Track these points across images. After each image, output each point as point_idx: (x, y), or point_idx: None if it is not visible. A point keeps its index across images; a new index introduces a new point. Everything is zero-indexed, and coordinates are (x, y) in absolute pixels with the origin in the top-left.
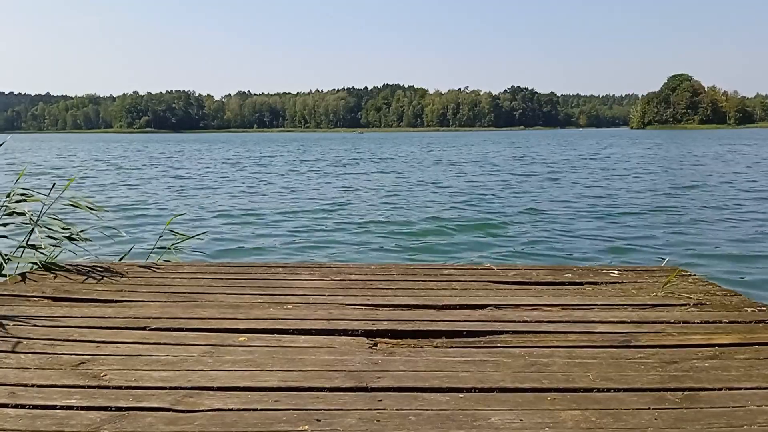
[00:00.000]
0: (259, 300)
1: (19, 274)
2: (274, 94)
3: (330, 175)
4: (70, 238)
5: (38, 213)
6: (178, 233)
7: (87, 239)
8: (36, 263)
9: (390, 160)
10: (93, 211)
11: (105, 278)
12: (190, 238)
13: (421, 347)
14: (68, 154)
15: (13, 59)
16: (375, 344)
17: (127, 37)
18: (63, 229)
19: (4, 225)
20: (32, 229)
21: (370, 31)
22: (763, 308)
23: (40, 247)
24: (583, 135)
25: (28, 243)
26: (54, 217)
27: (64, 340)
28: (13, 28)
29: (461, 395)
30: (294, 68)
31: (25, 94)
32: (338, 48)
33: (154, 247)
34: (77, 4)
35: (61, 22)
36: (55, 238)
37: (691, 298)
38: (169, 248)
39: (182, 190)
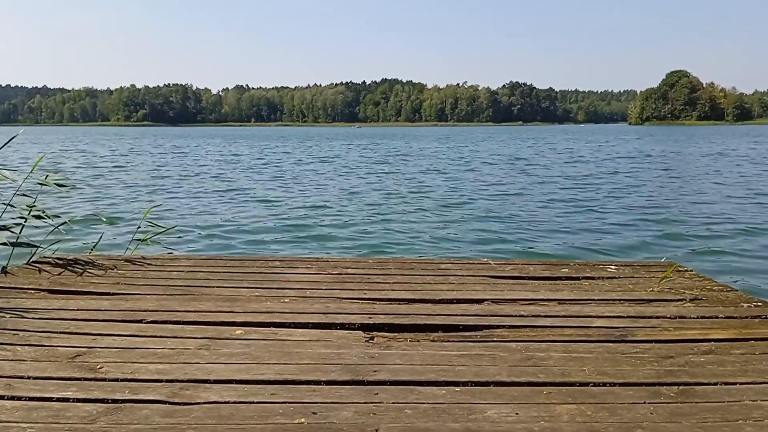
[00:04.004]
0: (256, 293)
1: (14, 267)
2: (272, 88)
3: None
4: (38, 217)
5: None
6: (157, 225)
7: (56, 215)
8: (40, 246)
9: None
10: (62, 188)
11: (101, 271)
12: (162, 231)
13: (418, 341)
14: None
15: (11, 54)
16: (372, 338)
17: (127, 37)
18: (29, 207)
19: None
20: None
21: (370, 30)
22: (759, 304)
23: (9, 227)
24: (595, 131)
25: None
26: (23, 193)
27: (61, 332)
28: (13, 27)
29: (458, 389)
30: (293, 68)
31: (21, 86)
32: (338, 48)
33: (132, 239)
34: (77, 4)
35: (61, 20)
36: (23, 218)
37: (687, 293)
38: (152, 241)
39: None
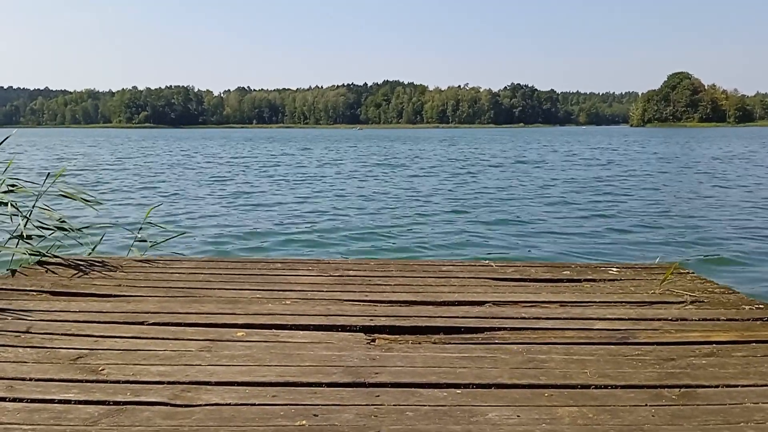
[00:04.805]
0: (258, 295)
1: (18, 269)
2: (274, 90)
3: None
4: (61, 229)
5: (32, 204)
6: (161, 226)
7: (78, 229)
8: (37, 253)
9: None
10: (88, 203)
11: (103, 272)
12: (176, 235)
13: (419, 343)
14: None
15: (12, 55)
16: (373, 340)
17: (127, 37)
18: (57, 219)
19: None
20: (26, 220)
21: (370, 31)
22: (760, 306)
23: (30, 238)
24: (598, 133)
25: (17, 234)
26: (46, 207)
27: (63, 334)
28: (13, 28)
29: (459, 391)
30: (294, 68)
31: (23, 88)
32: (338, 48)
33: (135, 240)
34: (77, 4)
35: (61, 20)
36: (48, 229)
37: (688, 295)
38: (158, 243)
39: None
